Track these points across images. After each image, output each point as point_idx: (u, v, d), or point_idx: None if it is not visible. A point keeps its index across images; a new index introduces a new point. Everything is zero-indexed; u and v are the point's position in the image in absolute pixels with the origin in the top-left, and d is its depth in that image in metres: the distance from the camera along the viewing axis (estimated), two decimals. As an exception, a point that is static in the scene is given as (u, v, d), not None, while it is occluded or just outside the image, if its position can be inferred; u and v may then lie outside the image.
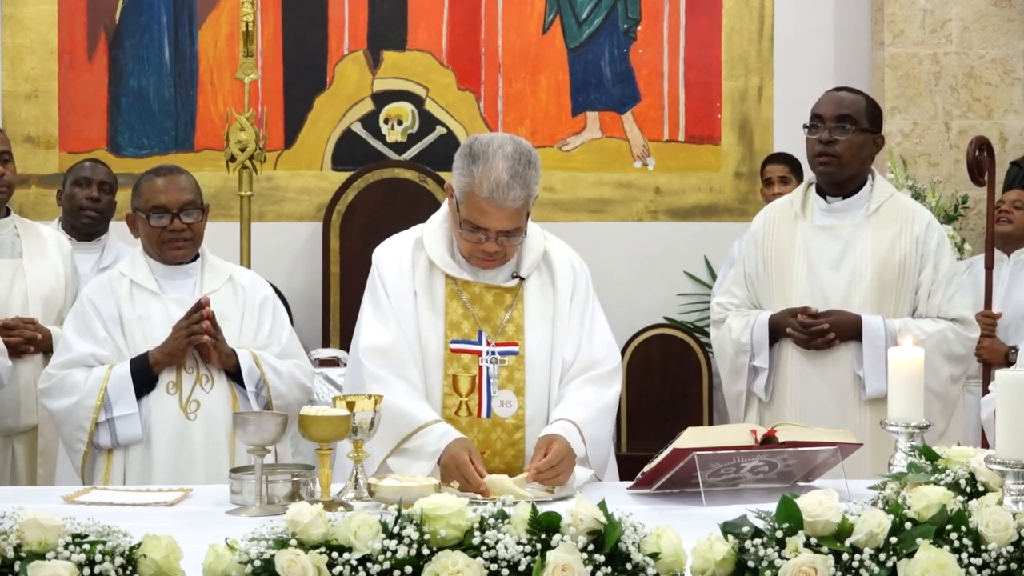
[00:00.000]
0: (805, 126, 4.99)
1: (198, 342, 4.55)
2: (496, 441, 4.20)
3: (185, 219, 4.67)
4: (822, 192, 5.03)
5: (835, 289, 4.91)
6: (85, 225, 6.19)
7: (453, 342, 4.23)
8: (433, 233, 4.31)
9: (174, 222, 4.66)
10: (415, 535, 2.80)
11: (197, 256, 4.78)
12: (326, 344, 7.75)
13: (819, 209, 5.02)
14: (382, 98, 8.24)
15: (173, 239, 4.68)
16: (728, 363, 5.05)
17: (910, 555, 2.81)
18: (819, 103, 5.01)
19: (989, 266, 6.17)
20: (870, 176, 5.02)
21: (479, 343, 4.24)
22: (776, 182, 7.14)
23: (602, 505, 2.85)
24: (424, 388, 4.20)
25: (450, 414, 4.19)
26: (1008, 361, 6.12)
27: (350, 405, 3.82)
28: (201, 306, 4.55)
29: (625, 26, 8.29)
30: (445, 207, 4.31)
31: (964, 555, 2.82)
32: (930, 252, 4.92)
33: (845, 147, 4.91)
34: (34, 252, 5.45)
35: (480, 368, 4.22)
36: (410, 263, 4.27)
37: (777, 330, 4.93)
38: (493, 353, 4.23)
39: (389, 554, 2.78)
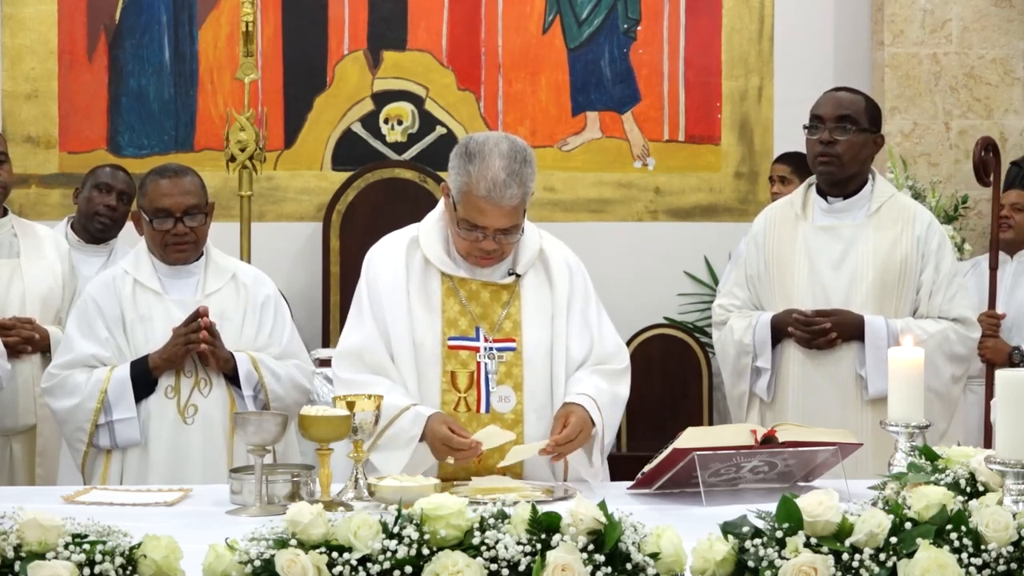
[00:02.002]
0: (805, 127, 4.99)
1: (195, 351, 4.56)
2: (495, 437, 4.22)
3: (188, 223, 4.67)
4: (823, 193, 5.03)
5: (836, 289, 4.91)
6: (98, 230, 6.19)
7: (451, 339, 4.24)
8: (429, 232, 4.33)
9: (177, 226, 4.66)
10: (415, 535, 2.80)
11: (201, 255, 4.78)
12: (326, 344, 7.74)
13: (820, 210, 5.02)
14: (382, 98, 8.24)
15: (176, 243, 4.68)
16: (730, 364, 5.05)
17: (910, 555, 2.82)
18: (818, 104, 5.01)
19: (993, 267, 6.17)
20: (871, 176, 5.02)
21: (476, 339, 4.25)
22: (776, 181, 7.12)
23: (602, 505, 2.85)
24: (416, 387, 4.21)
25: (449, 410, 4.20)
26: (1012, 362, 6.11)
27: (350, 405, 3.82)
28: (199, 315, 4.55)
29: (625, 26, 8.29)
30: (440, 206, 4.33)
31: (964, 555, 2.83)
32: (931, 252, 4.92)
33: (846, 147, 4.91)
34: (32, 252, 5.45)
35: (478, 364, 4.24)
36: (404, 263, 4.29)
37: (779, 331, 4.93)
38: (491, 349, 4.24)
39: (389, 554, 2.79)
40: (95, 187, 6.21)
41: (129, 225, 6.22)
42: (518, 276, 4.30)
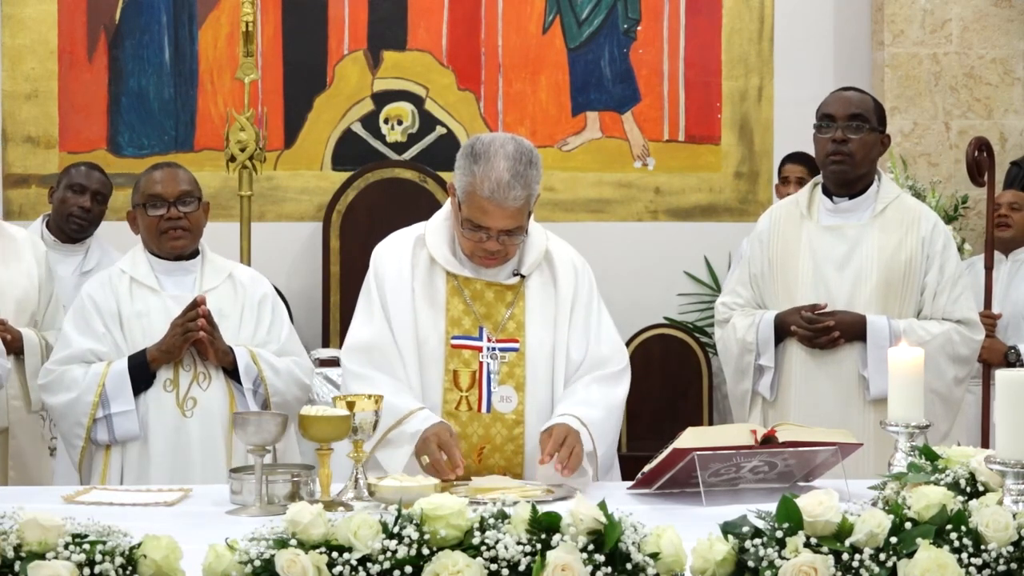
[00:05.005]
0: (815, 126, 4.98)
1: (194, 339, 4.56)
2: (496, 436, 4.22)
3: (182, 208, 4.69)
4: (828, 193, 5.03)
5: (840, 290, 4.91)
6: (73, 231, 6.13)
7: (454, 338, 4.25)
8: (435, 231, 4.34)
9: (171, 211, 4.68)
10: (415, 535, 2.80)
11: (197, 253, 4.80)
12: (326, 344, 7.75)
13: (825, 210, 5.02)
14: (382, 98, 8.24)
15: (170, 228, 4.70)
16: (733, 363, 5.04)
17: (910, 555, 2.82)
18: (828, 103, 5.00)
19: (989, 266, 6.17)
20: (876, 177, 5.02)
21: (480, 339, 4.26)
22: (793, 183, 7.11)
23: (602, 505, 2.85)
24: (419, 384, 4.23)
25: (451, 408, 4.22)
26: (1008, 361, 6.12)
27: (350, 405, 3.82)
28: (197, 304, 4.56)
29: (625, 26, 8.29)
30: (447, 205, 4.33)
31: (964, 555, 2.83)
32: (936, 253, 4.92)
33: (858, 146, 4.91)
34: (8, 255, 5.28)
35: (480, 364, 4.24)
36: (410, 261, 4.30)
37: (782, 329, 4.93)
38: (494, 349, 4.25)
39: (389, 554, 2.79)
40: (68, 188, 6.13)
41: (106, 224, 6.18)
42: (523, 277, 4.31)
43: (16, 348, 5.17)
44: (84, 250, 6.16)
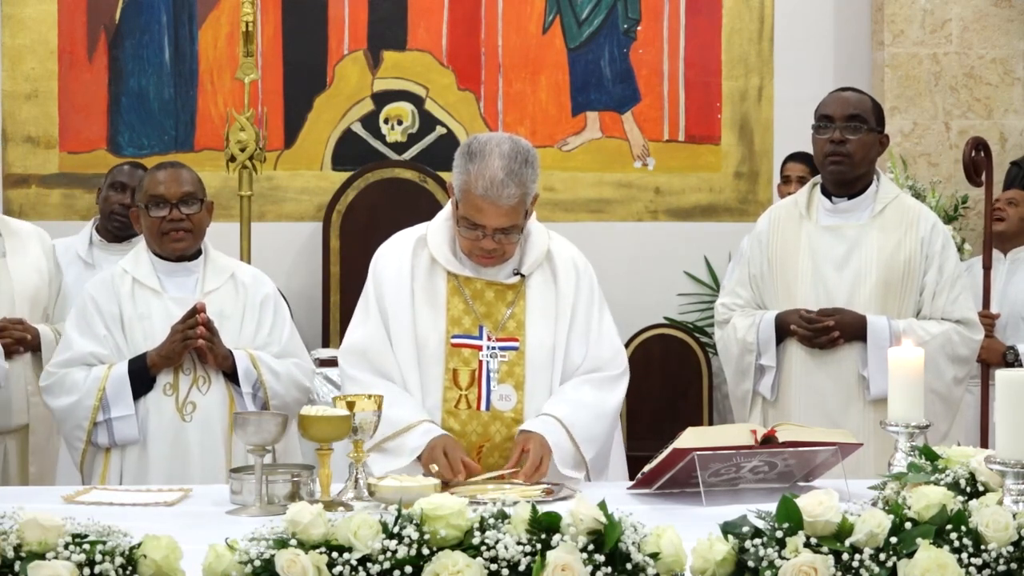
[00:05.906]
0: (814, 127, 4.98)
1: (193, 346, 4.56)
2: (495, 434, 4.23)
3: (184, 210, 4.68)
4: (827, 193, 5.03)
5: (840, 290, 4.91)
6: (116, 228, 6.17)
7: (454, 337, 4.27)
8: (437, 231, 4.35)
9: (172, 212, 4.67)
10: (415, 535, 2.80)
11: (199, 253, 4.79)
12: (326, 344, 7.75)
13: (824, 210, 5.02)
14: (382, 98, 8.23)
15: (172, 230, 4.68)
16: (734, 363, 5.05)
17: (910, 555, 2.82)
18: (826, 103, 5.00)
19: (987, 266, 6.17)
20: (875, 177, 5.02)
21: (480, 338, 4.27)
22: (794, 181, 7.12)
23: (602, 505, 2.85)
24: (417, 384, 4.24)
25: (450, 407, 4.23)
26: (1006, 361, 6.12)
27: (350, 405, 3.82)
28: (196, 311, 4.55)
29: (625, 26, 8.28)
30: (449, 205, 4.34)
31: (964, 555, 2.83)
32: (935, 253, 4.92)
33: (857, 146, 4.91)
34: (17, 250, 5.32)
35: (480, 362, 4.25)
36: (410, 261, 4.32)
37: (783, 329, 4.93)
38: (493, 348, 4.26)
39: (389, 554, 2.79)
40: (111, 186, 6.17)
41: None
42: (523, 276, 4.32)
43: (34, 345, 5.22)
44: (132, 250, 6.18)
